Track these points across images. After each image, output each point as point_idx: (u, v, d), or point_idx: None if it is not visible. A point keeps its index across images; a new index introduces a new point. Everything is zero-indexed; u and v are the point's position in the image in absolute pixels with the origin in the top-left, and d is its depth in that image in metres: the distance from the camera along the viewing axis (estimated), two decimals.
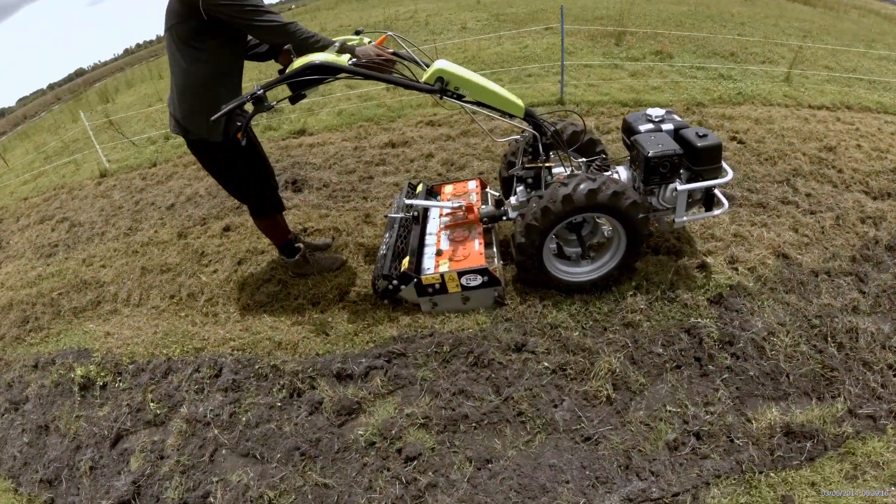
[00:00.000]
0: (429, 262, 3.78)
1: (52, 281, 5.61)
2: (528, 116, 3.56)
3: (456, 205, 4.09)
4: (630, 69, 9.24)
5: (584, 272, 3.76)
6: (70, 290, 5.24)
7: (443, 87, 3.24)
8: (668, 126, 3.70)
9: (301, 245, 4.30)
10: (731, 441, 2.90)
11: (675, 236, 4.22)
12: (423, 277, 3.55)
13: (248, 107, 3.06)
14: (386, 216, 4.44)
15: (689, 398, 3.10)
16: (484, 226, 4.05)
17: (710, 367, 3.27)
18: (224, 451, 3.18)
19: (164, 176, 7.71)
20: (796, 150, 5.64)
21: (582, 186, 3.26)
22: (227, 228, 5.46)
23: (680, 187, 3.52)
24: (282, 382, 3.42)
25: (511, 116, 3.51)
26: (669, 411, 3.02)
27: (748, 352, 3.35)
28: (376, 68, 3.28)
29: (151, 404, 3.56)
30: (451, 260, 3.70)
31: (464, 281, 3.54)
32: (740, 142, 6.10)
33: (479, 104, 3.40)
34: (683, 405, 3.06)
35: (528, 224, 3.39)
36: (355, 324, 3.75)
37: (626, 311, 3.54)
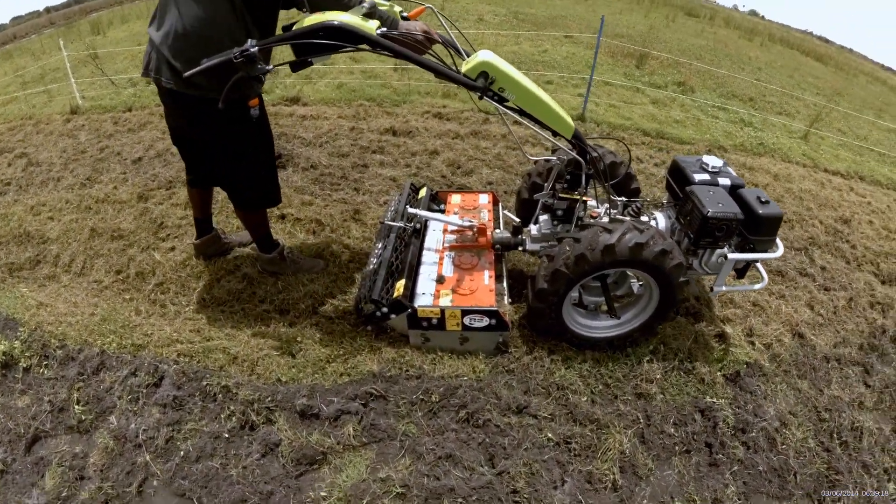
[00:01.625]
0: (426, 289, 3.13)
1: None
2: (576, 139, 2.94)
3: (467, 223, 3.46)
4: (652, 96, 8.70)
5: (603, 328, 3.21)
6: (10, 240, 4.48)
7: (486, 86, 2.56)
8: (724, 181, 3.15)
9: (279, 240, 3.64)
10: None
11: (694, 296, 3.70)
12: (419, 309, 2.93)
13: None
14: (381, 221, 3.74)
15: (697, 491, 2.68)
16: (495, 253, 3.43)
17: (721, 455, 2.85)
18: (155, 484, 2.55)
19: (138, 124, 6.88)
20: (814, 216, 5.21)
21: (628, 237, 2.71)
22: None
23: (730, 255, 3.01)
24: (232, 409, 2.78)
25: (555, 135, 2.89)
26: None
27: (760, 443, 3.00)
28: (411, 46, 2.61)
29: (77, 406, 2.90)
30: (454, 292, 3.07)
31: (466, 320, 2.93)
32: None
33: (521, 112, 2.75)
34: (692, 499, 2.64)
35: (557, 270, 2.80)
36: (329, 348, 3.08)
37: (641, 379, 3.01)
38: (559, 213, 3.21)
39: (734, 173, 3.26)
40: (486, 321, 2.92)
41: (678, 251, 2.83)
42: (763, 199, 2.96)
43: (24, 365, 3.20)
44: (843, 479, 3.11)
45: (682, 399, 3.01)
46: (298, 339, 3.13)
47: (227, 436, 2.71)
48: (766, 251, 3.08)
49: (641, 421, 2.83)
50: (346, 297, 3.47)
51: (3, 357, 3.22)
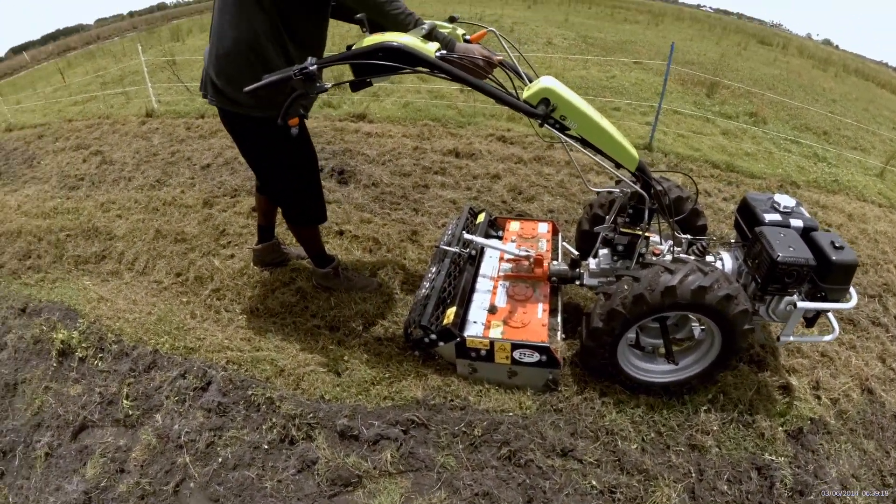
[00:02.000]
0: (477, 317, 3.02)
1: (65, 217, 5.02)
2: (640, 171, 2.76)
3: (524, 253, 3.33)
4: (722, 126, 8.34)
5: (660, 372, 3.02)
6: (79, 234, 4.62)
7: (547, 113, 2.44)
8: (796, 222, 2.93)
9: (335, 257, 3.60)
10: None
11: (759, 343, 3.48)
12: (468, 339, 2.82)
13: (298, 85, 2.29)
14: (436, 245, 3.65)
15: None
16: (551, 285, 3.29)
17: None
18: (192, 486, 2.55)
19: (209, 131, 7.04)
20: (889, 260, 4.85)
21: (691, 279, 2.53)
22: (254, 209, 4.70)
23: (800, 304, 2.77)
24: (274, 421, 2.75)
25: (618, 166, 2.73)
26: None
27: None
28: (470, 70, 2.53)
29: (125, 401, 2.94)
30: (505, 324, 2.95)
31: (516, 354, 2.81)
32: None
33: (583, 142, 2.62)
34: None
35: (613, 309, 2.64)
36: (375, 369, 3.01)
37: (696, 429, 2.82)
38: (620, 248, 3.03)
39: (807, 214, 3.04)
40: (536, 357, 2.79)
41: (744, 296, 2.63)
42: (837, 245, 2.73)
43: (81, 355, 3.27)
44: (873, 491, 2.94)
45: (739, 454, 2.81)
46: (345, 357, 3.07)
47: (266, 447, 2.67)
48: (838, 300, 2.83)
49: (693, 475, 2.64)
50: (397, 320, 3.40)
51: (62, 345, 3.32)
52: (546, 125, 2.50)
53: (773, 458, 2.84)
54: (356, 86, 2.49)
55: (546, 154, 6.13)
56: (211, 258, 4.04)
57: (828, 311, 2.88)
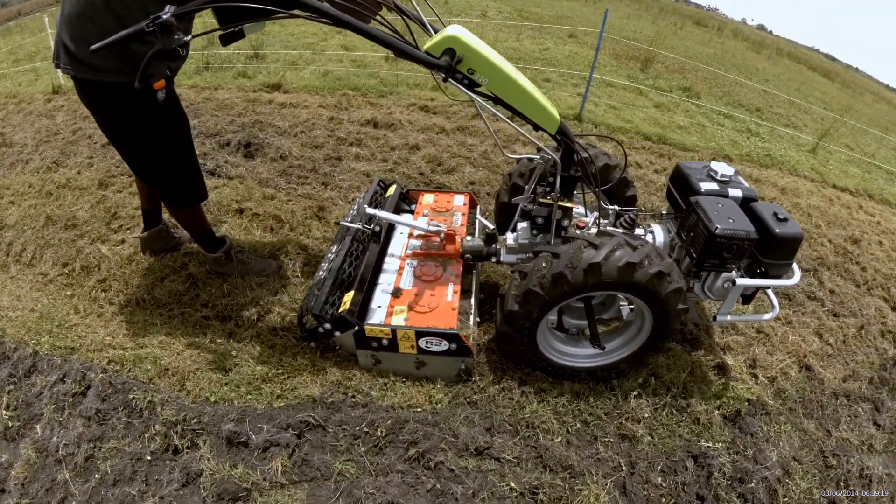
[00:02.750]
0: (380, 302, 2.65)
1: None
2: (562, 134, 2.43)
3: (433, 229, 2.97)
4: (655, 99, 8.16)
5: (586, 356, 2.71)
6: None
7: (451, 65, 2.07)
8: (735, 192, 2.65)
9: (226, 237, 3.18)
10: None
11: (693, 322, 3.23)
12: (366, 327, 2.46)
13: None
14: (337, 222, 3.24)
15: None
16: (464, 263, 2.93)
17: None
18: None
19: None
20: (823, 234, 4.72)
21: (618, 255, 2.22)
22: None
23: (740, 281, 2.50)
24: (157, 428, 2.35)
25: (536, 128, 2.40)
26: None
27: (759, 496, 2.56)
28: (355, 13, 2.14)
29: (5, 411, 2.54)
30: (410, 309, 2.59)
31: (422, 343, 2.46)
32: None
33: (497, 100, 2.27)
34: None
35: (530, 290, 2.30)
36: (267, 364, 2.62)
37: (627, 417, 2.55)
38: (539, 220, 2.70)
39: (746, 183, 2.77)
40: (444, 345, 2.45)
41: (678, 273, 2.34)
42: (781, 217, 2.47)
43: None
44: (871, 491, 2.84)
45: (674, 442, 2.55)
46: (235, 352, 2.68)
47: (149, 458, 2.30)
48: (779, 276, 2.58)
49: (624, 468, 2.37)
50: (294, 307, 3.00)
51: None
52: (451, 80, 2.14)
53: (710, 444, 2.61)
54: (226, 39, 2.13)
55: (471, 124, 5.79)
56: (99, 245, 3.57)
57: (769, 288, 2.64)
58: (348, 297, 2.54)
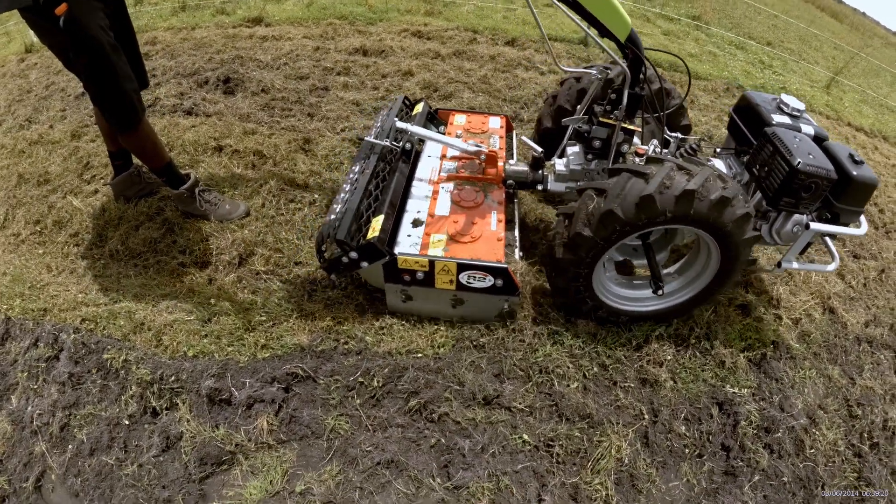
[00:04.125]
0: (411, 230, 2.32)
1: None
2: (632, 43, 2.16)
3: (474, 148, 2.59)
4: (664, 27, 7.80)
5: (649, 299, 2.44)
6: None
7: None
8: (807, 128, 2.41)
9: (192, 172, 2.89)
10: None
11: None
12: (399, 257, 2.16)
13: None
14: (359, 139, 2.78)
15: None
16: (506, 190, 2.60)
17: (740, 462, 2.23)
18: (53, 478, 1.99)
19: None
20: None
21: (673, 184, 1.95)
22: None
23: (813, 225, 2.29)
24: (133, 390, 2.11)
25: (602, 33, 2.15)
26: None
27: (786, 446, 2.39)
28: None
29: None
30: (451, 239, 2.26)
31: (463, 278, 2.17)
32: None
33: (574, 3, 2.02)
34: None
35: (578, 234, 2.04)
36: (250, 312, 2.35)
37: (648, 360, 2.31)
38: (596, 143, 2.42)
39: (814, 122, 2.49)
40: (489, 281, 2.17)
41: (744, 198, 2.06)
42: (857, 159, 2.26)
43: None
44: (874, 490, 2.60)
45: (697, 388, 2.33)
46: (213, 301, 2.41)
47: (126, 423, 2.08)
48: (848, 224, 2.36)
49: (646, 416, 2.15)
50: (280, 247, 2.71)
51: None
52: None
53: (736, 390, 2.41)
54: None
55: (468, 48, 5.43)
56: (71, 198, 3.28)
57: (842, 234, 2.42)
58: (377, 221, 2.22)
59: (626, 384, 2.23)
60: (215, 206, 2.85)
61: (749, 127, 2.53)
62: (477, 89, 4.52)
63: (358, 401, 2.03)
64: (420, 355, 2.17)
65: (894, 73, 10.86)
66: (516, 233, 2.47)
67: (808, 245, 2.51)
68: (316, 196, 2.87)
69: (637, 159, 2.40)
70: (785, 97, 2.55)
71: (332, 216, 2.27)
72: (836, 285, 3.24)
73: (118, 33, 2.44)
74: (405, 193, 2.50)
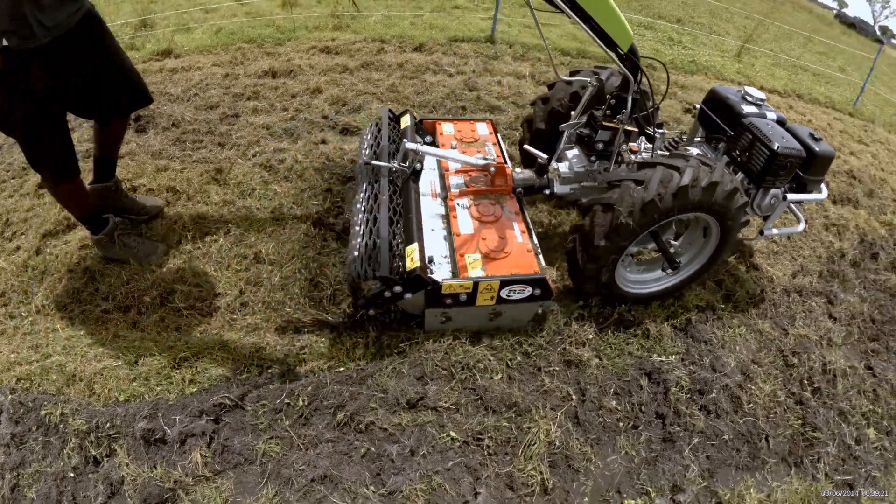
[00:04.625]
0: (436, 251, 2.34)
1: None
2: (632, 54, 2.38)
3: (483, 162, 2.64)
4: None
5: (654, 281, 2.73)
6: None
7: None
8: (771, 115, 2.81)
9: (111, 217, 2.86)
10: None
11: None
12: (444, 284, 2.16)
13: None
14: (366, 163, 2.60)
15: (650, 479, 2.12)
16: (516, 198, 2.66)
17: (677, 427, 2.30)
18: None
19: None
20: None
21: (702, 176, 2.25)
22: (42, 186, 3.71)
23: (790, 196, 2.78)
24: (74, 442, 2.10)
25: (608, 44, 2.34)
26: None
27: (722, 405, 2.47)
28: None
29: None
30: (485, 257, 2.33)
31: (504, 292, 2.23)
32: (695, 115, 5.13)
33: (583, 15, 2.22)
34: (644, 492, 2.07)
35: (620, 223, 2.22)
36: (174, 350, 2.35)
37: (570, 341, 2.36)
38: (599, 146, 2.63)
39: (773, 108, 2.91)
40: (527, 291, 2.25)
41: (743, 189, 2.46)
42: (816, 136, 2.72)
43: None
44: (821, 434, 2.70)
45: (624, 361, 2.39)
46: (138, 343, 2.41)
47: (72, 475, 2.05)
48: (812, 192, 2.87)
49: (574, 397, 2.20)
50: (199, 281, 2.71)
51: None
52: None
53: (664, 358, 2.47)
54: None
55: (375, 59, 5.44)
56: None
57: (812, 201, 2.92)
58: (412, 251, 2.22)
59: (551, 368, 2.28)
60: (134, 248, 2.84)
61: (721, 117, 2.89)
62: (385, 98, 4.54)
63: (287, 422, 2.05)
64: (341, 369, 2.20)
65: (806, 35, 11.23)
66: (534, 238, 2.51)
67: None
68: (230, 226, 2.87)
69: (632, 156, 2.70)
70: (748, 89, 2.94)
71: (357, 252, 2.25)
72: (757, 242, 3.32)
73: (87, 64, 2.43)
74: (419, 214, 2.51)
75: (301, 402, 2.07)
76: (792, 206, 2.98)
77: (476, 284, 2.18)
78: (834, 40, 16.29)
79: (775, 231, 2.95)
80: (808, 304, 3.29)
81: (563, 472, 2.02)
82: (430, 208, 2.56)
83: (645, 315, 2.56)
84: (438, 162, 2.82)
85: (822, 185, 2.97)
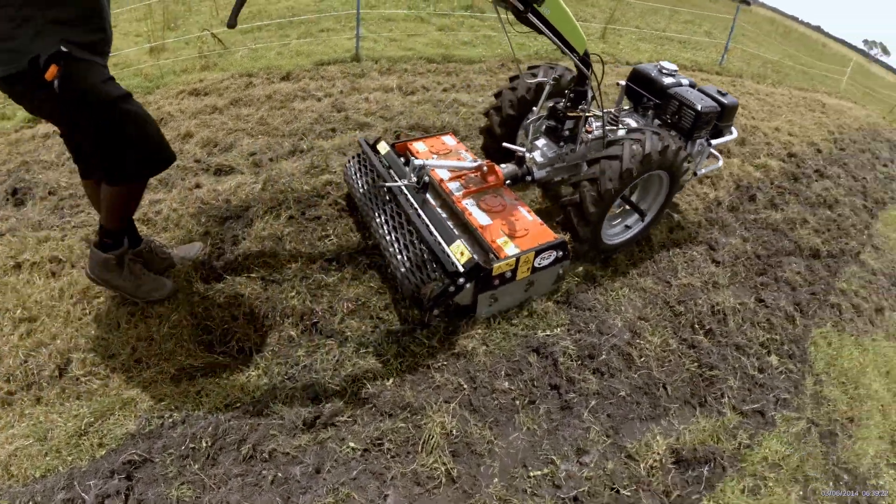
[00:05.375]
0: (456, 248, 2.58)
1: None
2: (586, 55, 2.91)
3: (474, 164, 3.08)
4: (437, 23, 8.01)
5: (627, 229, 3.42)
6: None
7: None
8: (684, 81, 3.54)
9: (125, 242, 2.67)
10: (618, 493, 2.19)
11: None
12: (495, 266, 2.49)
13: None
14: (381, 187, 2.97)
15: (554, 447, 2.27)
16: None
17: (572, 394, 2.46)
18: None
19: None
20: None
21: (658, 145, 2.89)
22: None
23: (714, 141, 3.60)
24: None
25: (567, 49, 2.79)
26: (533, 476, 2.14)
27: (614, 364, 2.64)
28: None
29: None
30: (511, 238, 2.71)
31: (537, 261, 2.66)
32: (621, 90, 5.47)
33: (550, 28, 2.66)
34: (549, 461, 2.22)
35: (605, 190, 2.80)
36: (77, 417, 2.38)
37: (461, 335, 2.50)
38: (566, 133, 3.16)
39: (683, 76, 3.59)
40: (552, 256, 2.72)
41: (683, 147, 3.09)
42: (722, 93, 3.47)
43: None
44: (720, 371, 2.90)
45: (510, 343, 2.55)
46: (43, 419, 2.45)
47: None
48: (725, 134, 3.69)
49: (465, 386, 2.34)
50: (92, 346, 2.73)
51: None
52: (530, 13, 2.59)
53: (549, 332, 2.62)
54: None
55: (244, 95, 5.42)
56: None
57: (727, 142, 3.77)
58: (458, 247, 2.52)
59: (439, 364, 2.41)
60: (141, 280, 2.72)
61: (646, 90, 3.56)
62: (256, 132, 4.59)
63: (195, 465, 2.13)
64: (238, 405, 2.29)
65: (671, 8, 11.73)
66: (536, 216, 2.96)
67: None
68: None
69: (588, 136, 3.31)
70: (663, 63, 3.62)
71: (405, 267, 2.62)
72: (691, 183, 3.54)
73: None
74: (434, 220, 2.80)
75: (205, 444, 2.16)
76: (711, 149, 3.66)
77: (517, 259, 2.56)
78: (700, 8, 17.26)
79: (704, 170, 3.71)
80: (689, 254, 3.50)
81: (466, 458, 2.15)
82: (439, 212, 2.85)
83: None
84: (430, 173, 3.03)
85: (732, 128, 3.73)
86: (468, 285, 2.48)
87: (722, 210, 4.12)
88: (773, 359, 3.19)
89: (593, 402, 2.45)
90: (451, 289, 2.43)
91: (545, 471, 2.18)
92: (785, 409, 2.95)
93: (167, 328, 2.54)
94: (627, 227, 3.38)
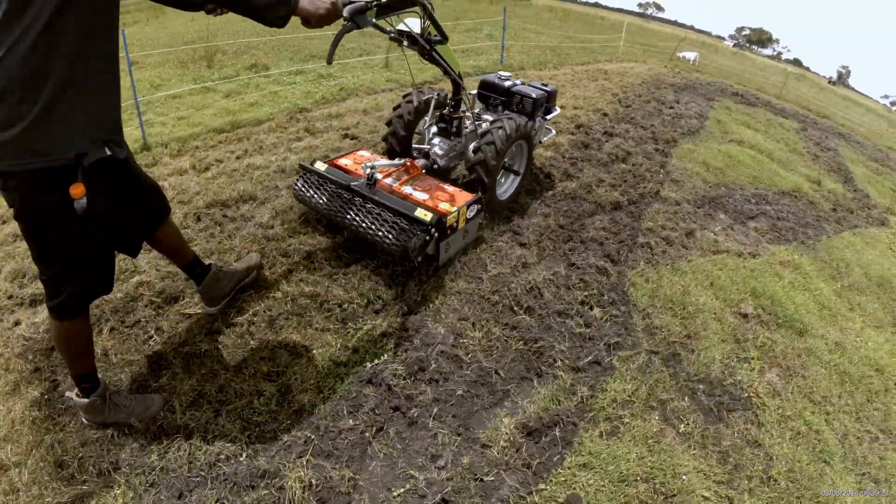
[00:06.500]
0: (420, 213, 3.41)
1: None
2: (459, 75, 4.10)
3: (400, 162, 4.05)
4: (224, 90, 7.98)
5: (509, 186, 4.70)
6: None
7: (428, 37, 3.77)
8: (517, 82, 4.99)
9: (101, 380, 2.57)
10: (482, 481, 2.40)
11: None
12: (448, 217, 3.45)
13: None
14: (347, 187, 3.68)
15: (411, 464, 2.46)
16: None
17: (414, 410, 2.68)
18: None
19: None
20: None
21: (520, 123, 4.21)
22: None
23: (548, 117, 5.12)
24: None
25: (447, 72, 3.98)
26: (398, 495, 2.32)
27: (444, 369, 2.88)
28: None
29: None
30: (448, 202, 3.65)
31: (469, 213, 3.70)
32: (353, 137, 5.88)
33: (441, 59, 3.84)
34: (409, 476, 2.40)
35: (498, 149, 4.00)
36: None
37: (293, 392, 2.67)
38: (454, 129, 4.40)
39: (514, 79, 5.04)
40: (475, 208, 3.79)
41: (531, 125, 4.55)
42: (544, 84, 5.05)
43: None
44: (545, 340, 3.13)
45: (344, 384, 2.73)
46: None
47: None
48: (553, 111, 5.20)
49: (313, 437, 2.49)
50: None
51: None
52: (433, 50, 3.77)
53: (378, 361, 2.84)
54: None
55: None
56: None
57: (553, 117, 5.27)
58: (420, 212, 3.37)
59: (283, 425, 2.54)
60: (129, 407, 2.61)
61: (493, 92, 4.88)
62: None
63: None
64: None
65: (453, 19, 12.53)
66: None
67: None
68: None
69: (466, 130, 4.52)
70: (501, 73, 5.09)
71: (388, 238, 3.38)
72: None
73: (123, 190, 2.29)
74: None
75: None
76: (546, 124, 5.11)
77: (458, 212, 3.55)
78: (480, 14, 18.64)
79: (545, 139, 5.25)
80: (495, 245, 3.86)
81: (334, 501, 2.27)
82: (385, 199, 3.55)
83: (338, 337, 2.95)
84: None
85: (556, 107, 5.24)
86: (437, 234, 3.37)
87: (520, 196, 4.66)
88: (597, 311, 3.50)
89: (435, 409, 2.66)
90: (427, 237, 3.31)
91: (407, 486, 2.34)
92: (619, 350, 3.24)
93: (27, 476, 2.40)
94: (511, 184, 4.66)
